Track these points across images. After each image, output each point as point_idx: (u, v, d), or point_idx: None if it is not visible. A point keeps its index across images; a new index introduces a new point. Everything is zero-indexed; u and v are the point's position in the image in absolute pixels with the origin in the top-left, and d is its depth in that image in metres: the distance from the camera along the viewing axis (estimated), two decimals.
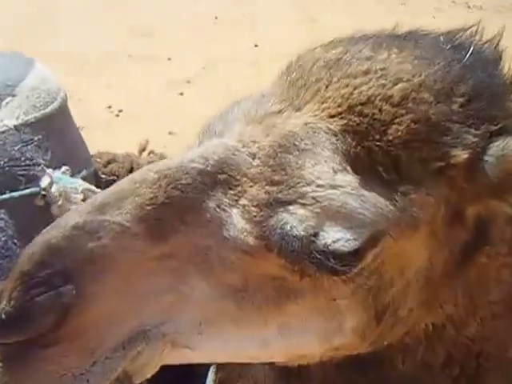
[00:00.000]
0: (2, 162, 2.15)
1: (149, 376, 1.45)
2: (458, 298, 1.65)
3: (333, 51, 1.59)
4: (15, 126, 2.20)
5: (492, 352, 1.75)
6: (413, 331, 1.65)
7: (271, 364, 1.75)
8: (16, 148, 2.17)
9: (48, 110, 2.32)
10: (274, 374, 1.81)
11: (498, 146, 1.46)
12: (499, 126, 1.49)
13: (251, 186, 1.41)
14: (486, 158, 1.46)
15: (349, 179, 1.40)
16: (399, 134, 1.42)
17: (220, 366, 2.02)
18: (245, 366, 1.87)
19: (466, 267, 1.60)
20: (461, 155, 1.44)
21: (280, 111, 1.52)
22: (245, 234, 1.40)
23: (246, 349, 1.51)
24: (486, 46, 1.62)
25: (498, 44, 1.62)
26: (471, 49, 1.57)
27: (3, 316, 1.27)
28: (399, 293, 1.53)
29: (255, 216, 1.40)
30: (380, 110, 1.44)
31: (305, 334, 1.52)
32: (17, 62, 2.40)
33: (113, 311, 1.33)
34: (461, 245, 1.56)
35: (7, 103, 2.24)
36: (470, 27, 1.65)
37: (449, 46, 1.59)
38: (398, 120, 1.43)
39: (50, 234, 1.34)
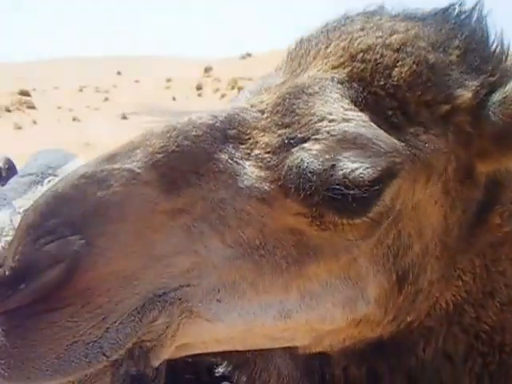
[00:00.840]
0: None
1: (165, 357, 1.32)
2: (476, 268, 1.58)
3: (328, 25, 1.68)
4: None
5: None
6: (434, 311, 1.57)
7: (294, 354, 1.60)
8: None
9: None
10: (298, 374, 1.65)
11: (499, 92, 1.49)
12: (497, 77, 1.53)
13: (263, 136, 1.40)
14: (488, 104, 1.48)
15: (360, 114, 1.41)
16: (403, 75, 1.47)
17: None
18: (267, 357, 1.70)
19: (480, 230, 1.56)
20: (464, 95, 1.48)
21: (284, 82, 1.55)
22: (260, 181, 1.36)
23: (267, 320, 1.38)
24: (471, 12, 1.67)
25: (481, 11, 1.67)
26: (457, 10, 1.66)
27: (6, 272, 1.19)
28: (419, 257, 1.49)
29: (269, 161, 1.37)
30: (382, 56, 1.49)
31: (327, 302, 1.41)
32: (59, 154, 2.58)
33: (125, 271, 1.25)
34: (473, 205, 1.54)
35: (49, 181, 2.35)
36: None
37: (437, 14, 1.67)
38: (400, 63, 1.48)
39: (57, 185, 1.29)
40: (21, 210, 2.18)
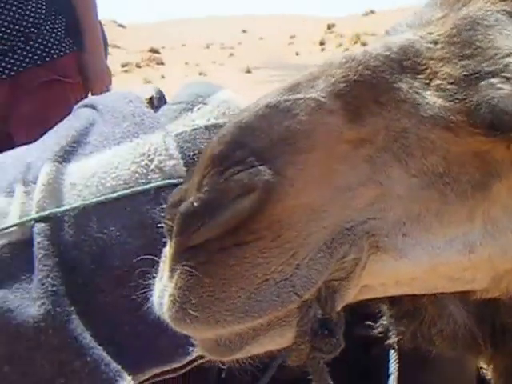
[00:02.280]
0: (192, 154, 2.26)
1: (350, 299, 1.28)
2: None
3: None
4: (206, 126, 2.35)
5: None
6: None
7: (465, 301, 1.57)
8: (205, 145, 2.27)
9: None
10: (470, 322, 1.59)
11: None
12: None
13: (442, 66, 1.35)
14: None
15: None
16: None
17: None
18: (440, 304, 1.62)
19: None
20: None
21: (445, 16, 1.46)
22: (444, 110, 1.31)
23: (451, 256, 1.33)
24: None
25: None
26: None
27: (195, 204, 1.15)
28: None
29: (455, 93, 1.32)
30: None
31: (508, 230, 1.34)
32: (207, 85, 2.64)
33: (313, 203, 1.20)
34: None
35: (199, 109, 2.43)
36: None
37: None
38: None
39: (241, 115, 1.27)
40: (172, 134, 2.27)
